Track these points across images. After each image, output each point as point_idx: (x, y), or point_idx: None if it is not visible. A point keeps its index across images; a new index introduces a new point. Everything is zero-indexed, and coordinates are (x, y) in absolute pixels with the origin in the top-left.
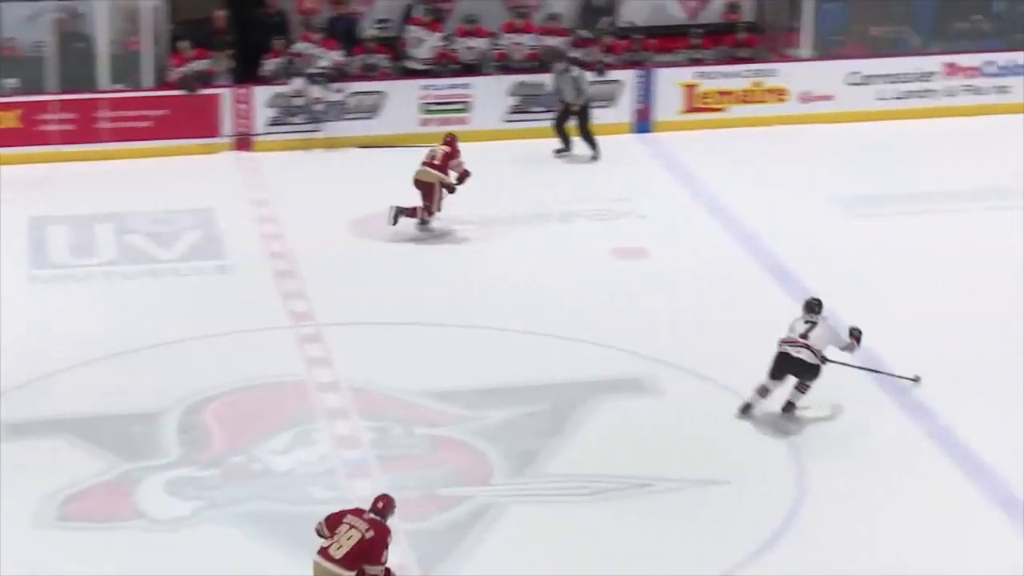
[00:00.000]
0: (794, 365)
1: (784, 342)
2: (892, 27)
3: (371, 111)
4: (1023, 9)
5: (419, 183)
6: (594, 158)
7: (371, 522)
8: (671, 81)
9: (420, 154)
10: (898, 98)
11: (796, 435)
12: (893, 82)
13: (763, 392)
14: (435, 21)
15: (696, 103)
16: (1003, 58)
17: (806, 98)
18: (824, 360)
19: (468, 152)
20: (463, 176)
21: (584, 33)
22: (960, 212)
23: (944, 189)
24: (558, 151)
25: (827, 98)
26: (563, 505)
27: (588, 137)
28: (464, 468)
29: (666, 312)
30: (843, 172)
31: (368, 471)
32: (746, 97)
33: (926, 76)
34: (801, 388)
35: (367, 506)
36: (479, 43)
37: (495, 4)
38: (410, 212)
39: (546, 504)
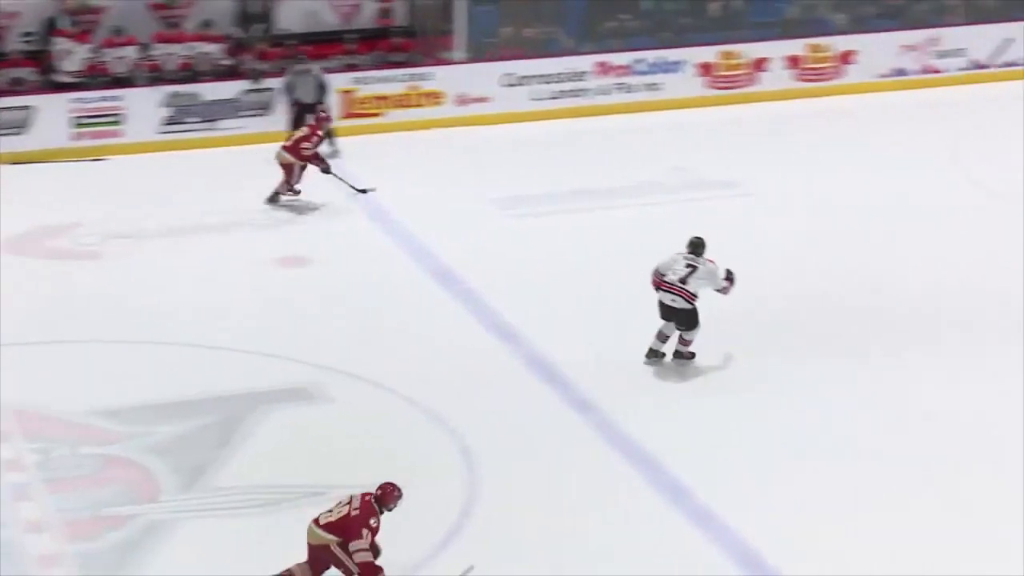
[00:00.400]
0: (672, 313)
1: (663, 286)
2: (544, 28)
3: (20, 126)
4: (671, 7)
5: (280, 164)
6: (335, 155)
7: (364, 503)
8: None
9: (77, 168)
10: (552, 98)
11: (467, 436)
12: (547, 82)
13: (662, 337)
14: (82, 33)
15: (353, 108)
16: (653, 56)
17: (462, 100)
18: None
19: (122, 165)
20: (308, 159)
21: (239, 40)
22: (618, 208)
23: (602, 186)
24: None
25: (483, 100)
26: (235, 518)
27: (329, 136)
28: (133, 486)
29: (332, 320)
30: (502, 173)
31: (32, 494)
32: (403, 101)
33: (579, 76)
34: (684, 341)
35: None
36: (129, 54)
37: (144, 14)
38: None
39: (217, 518)
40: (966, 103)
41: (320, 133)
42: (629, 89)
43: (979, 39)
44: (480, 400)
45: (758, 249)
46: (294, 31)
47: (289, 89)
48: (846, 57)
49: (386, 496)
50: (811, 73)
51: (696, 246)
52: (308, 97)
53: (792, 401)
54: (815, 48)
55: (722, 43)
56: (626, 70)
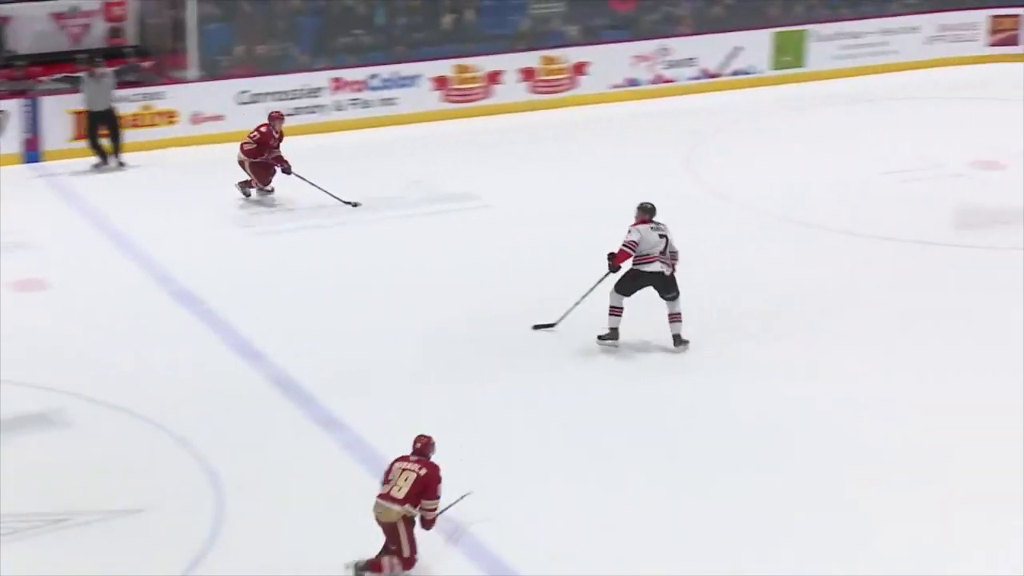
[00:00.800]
0: (663, 281)
1: (651, 259)
2: (277, 45)
3: None
4: (403, 22)
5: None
6: (121, 164)
7: (420, 462)
8: (59, 109)
9: None
10: (288, 115)
11: (212, 458)
12: (282, 99)
13: (618, 312)
14: None
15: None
16: (387, 71)
17: (197, 119)
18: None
19: None
20: (275, 163)
21: None
22: (358, 224)
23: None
24: (96, 166)
25: (218, 118)
26: None
27: (117, 141)
28: None
29: (71, 344)
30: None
31: None
32: (136, 121)
33: (314, 92)
34: (677, 317)
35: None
36: None
37: None
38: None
39: None
40: (698, 111)
41: (276, 132)
42: (365, 104)
43: (709, 48)
44: (225, 421)
45: (500, 261)
46: (22, 52)
47: (86, 99)
48: (579, 68)
49: (427, 446)
50: (545, 85)
51: (653, 211)
52: (100, 104)
53: (532, 414)
54: (548, 60)
55: (456, 57)
56: (361, 85)
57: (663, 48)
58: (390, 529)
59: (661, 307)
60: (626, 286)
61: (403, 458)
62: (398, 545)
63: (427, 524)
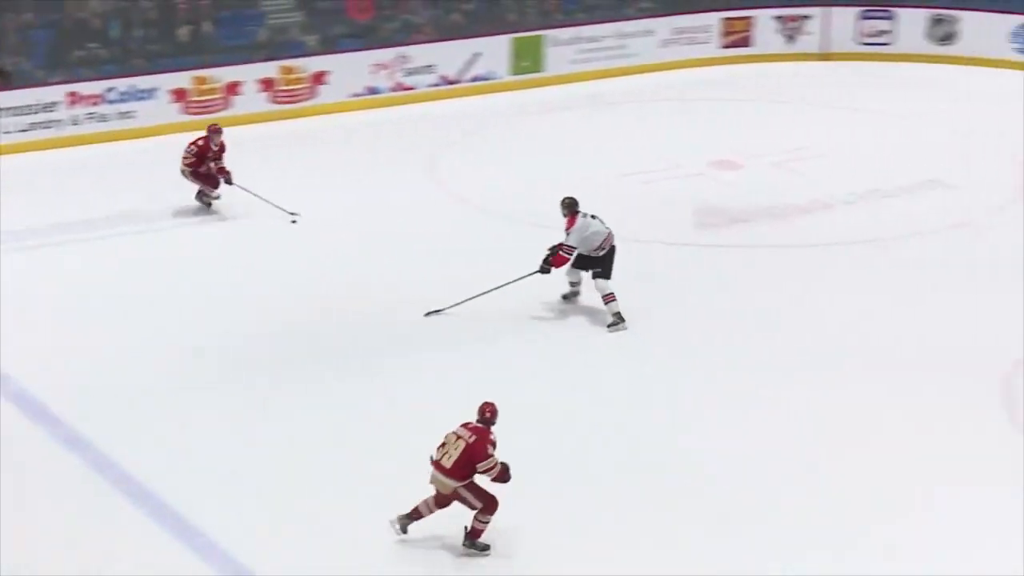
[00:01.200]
0: (602, 262)
1: (608, 239)
2: (10, 58)
3: None
4: (139, 34)
5: None
6: None
7: (474, 429)
8: None
9: None
10: (23, 130)
11: None
12: (17, 114)
13: (613, 296)
14: None
15: None
16: (124, 84)
17: None
18: None
19: None
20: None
21: None
22: (99, 239)
23: (81, 218)
24: None
25: None
26: None
27: None
28: None
29: None
30: None
31: None
32: None
33: (50, 106)
34: (610, 298)
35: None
36: None
37: None
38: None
39: None
40: (439, 118)
41: (214, 145)
42: (103, 118)
43: (447, 55)
44: None
45: (248, 271)
46: None
47: None
48: (319, 78)
49: (494, 415)
50: (285, 95)
51: (576, 202)
52: None
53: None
54: (288, 70)
55: (194, 68)
56: (98, 99)
57: (402, 56)
58: (442, 500)
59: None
60: (608, 270)
61: (464, 424)
62: (469, 505)
63: (498, 479)
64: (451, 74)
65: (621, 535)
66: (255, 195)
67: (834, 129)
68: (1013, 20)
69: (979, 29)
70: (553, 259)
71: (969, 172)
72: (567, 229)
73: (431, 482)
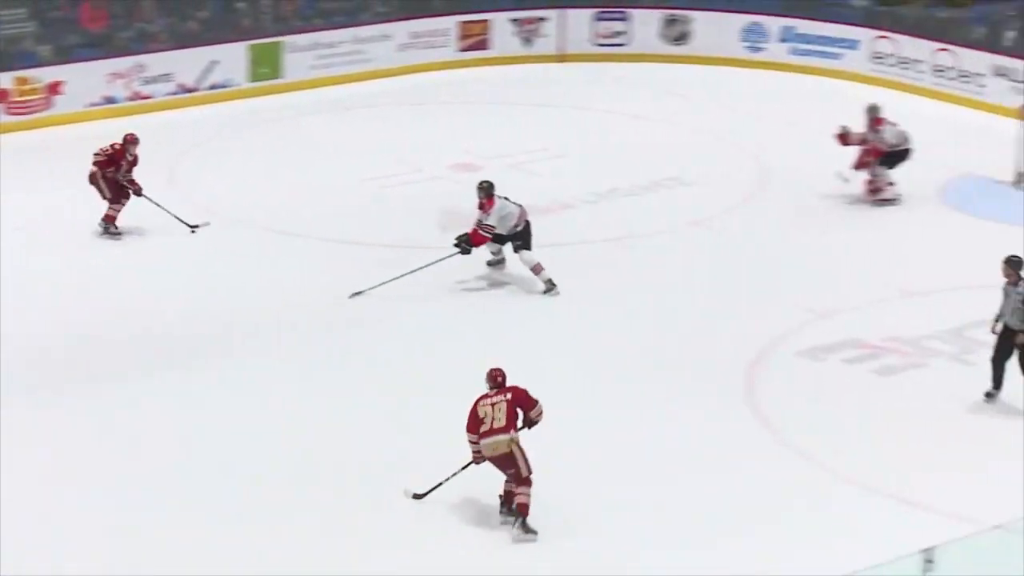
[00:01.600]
0: (523, 235)
1: (522, 219)
2: None
3: None
4: None
5: None
6: None
7: (501, 391)
8: None
9: None
10: None
11: None
12: None
13: (499, 252)
14: None
15: None
16: None
17: None
18: None
19: None
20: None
21: None
22: None
23: None
24: None
25: None
26: None
27: None
28: None
29: None
30: None
31: None
32: None
33: None
34: (537, 268)
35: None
36: None
37: None
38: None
39: None
40: (178, 126)
41: (130, 155)
42: None
43: (185, 63)
44: None
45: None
46: None
47: None
48: (54, 88)
49: (502, 377)
50: (19, 106)
51: (492, 185)
52: None
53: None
54: (21, 81)
55: None
56: None
57: (138, 65)
58: (505, 459)
59: None
60: (527, 242)
61: (483, 396)
62: (516, 469)
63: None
64: (189, 82)
65: None
66: (159, 206)
67: (572, 130)
68: (743, 19)
69: (711, 28)
70: (473, 238)
71: (706, 170)
72: (486, 211)
73: (486, 455)
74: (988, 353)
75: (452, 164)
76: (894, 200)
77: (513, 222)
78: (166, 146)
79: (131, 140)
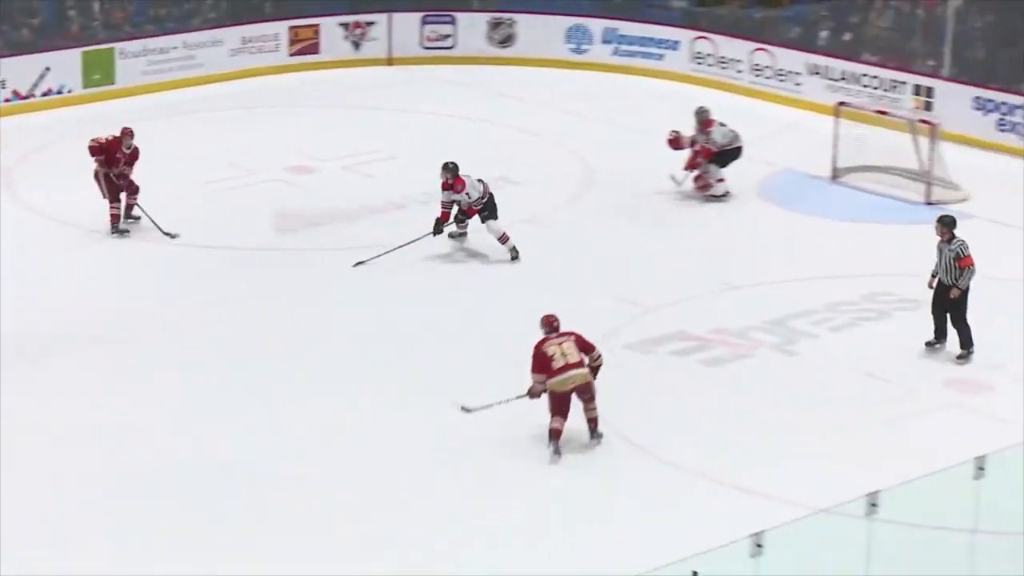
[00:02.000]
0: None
1: (486, 191)
2: None
3: None
4: None
5: None
6: None
7: (561, 334)
8: None
9: None
10: None
11: None
12: None
13: (463, 224)
14: None
15: None
16: None
17: None
18: None
19: None
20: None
21: None
22: None
23: None
24: None
25: None
26: None
27: None
28: None
29: None
30: None
31: None
32: None
33: None
34: (503, 237)
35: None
36: None
37: None
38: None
39: None
40: (11, 133)
41: (125, 148)
42: None
43: (18, 70)
44: None
45: None
46: None
47: None
48: None
49: (557, 321)
50: None
51: (457, 166)
52: None
53: None
54: None
55: None
56: None
57: None
58: (583, 388)
59: None
60: (493, 212)
61: (543, 340)
62: (592, 393)
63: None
64: (23, 89)
65: None
66: (147, 215)
67: (402, 132)
68: (567, 21)
69: (535, 31)
70: (440, 216)
71: (533, 169)
72: (455, 190)
73: (560, 390)
74: (810, 343)
75: (287, 167)
76: (724, 196)
77: (476, 196)
78: (4, 152)
79: (127, 133)
